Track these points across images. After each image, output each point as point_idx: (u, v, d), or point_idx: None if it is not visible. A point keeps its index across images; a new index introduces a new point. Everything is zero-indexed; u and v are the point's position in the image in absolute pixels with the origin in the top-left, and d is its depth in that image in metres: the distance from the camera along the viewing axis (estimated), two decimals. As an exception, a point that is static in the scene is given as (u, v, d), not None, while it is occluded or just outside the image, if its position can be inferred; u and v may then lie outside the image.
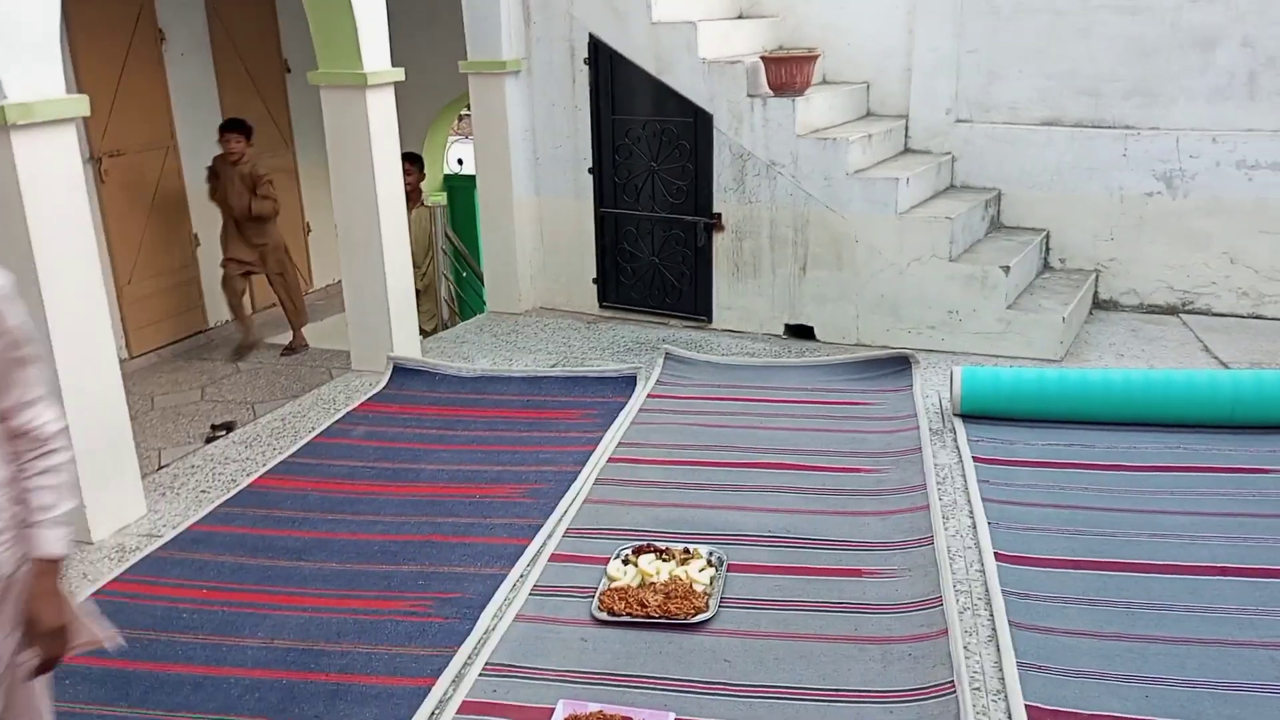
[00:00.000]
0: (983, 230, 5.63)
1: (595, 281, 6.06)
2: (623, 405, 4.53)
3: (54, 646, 1.86)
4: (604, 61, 5.63)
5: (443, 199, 9.07)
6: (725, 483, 3.75)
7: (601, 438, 4.17)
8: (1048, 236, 5.76)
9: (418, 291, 6.38)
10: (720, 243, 5.59)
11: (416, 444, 4.23)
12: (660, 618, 2.86)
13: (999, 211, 5.84)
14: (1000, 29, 5.69)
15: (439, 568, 3.24)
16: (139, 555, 3.40)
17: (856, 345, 5.30)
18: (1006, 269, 4.98)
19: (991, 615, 2.85)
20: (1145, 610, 2.85)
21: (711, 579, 3.05)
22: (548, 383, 4.86)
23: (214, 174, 6.74)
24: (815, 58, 5.36)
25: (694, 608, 2.90)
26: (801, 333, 5.50)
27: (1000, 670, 2.61)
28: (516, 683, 2.64)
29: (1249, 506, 3.43)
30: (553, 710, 2.49)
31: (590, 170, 5.86)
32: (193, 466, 4.16)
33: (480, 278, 6.98)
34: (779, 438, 4.12)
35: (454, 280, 7.81)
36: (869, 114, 6.11)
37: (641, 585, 3.03)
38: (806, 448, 4.02)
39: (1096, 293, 5.71)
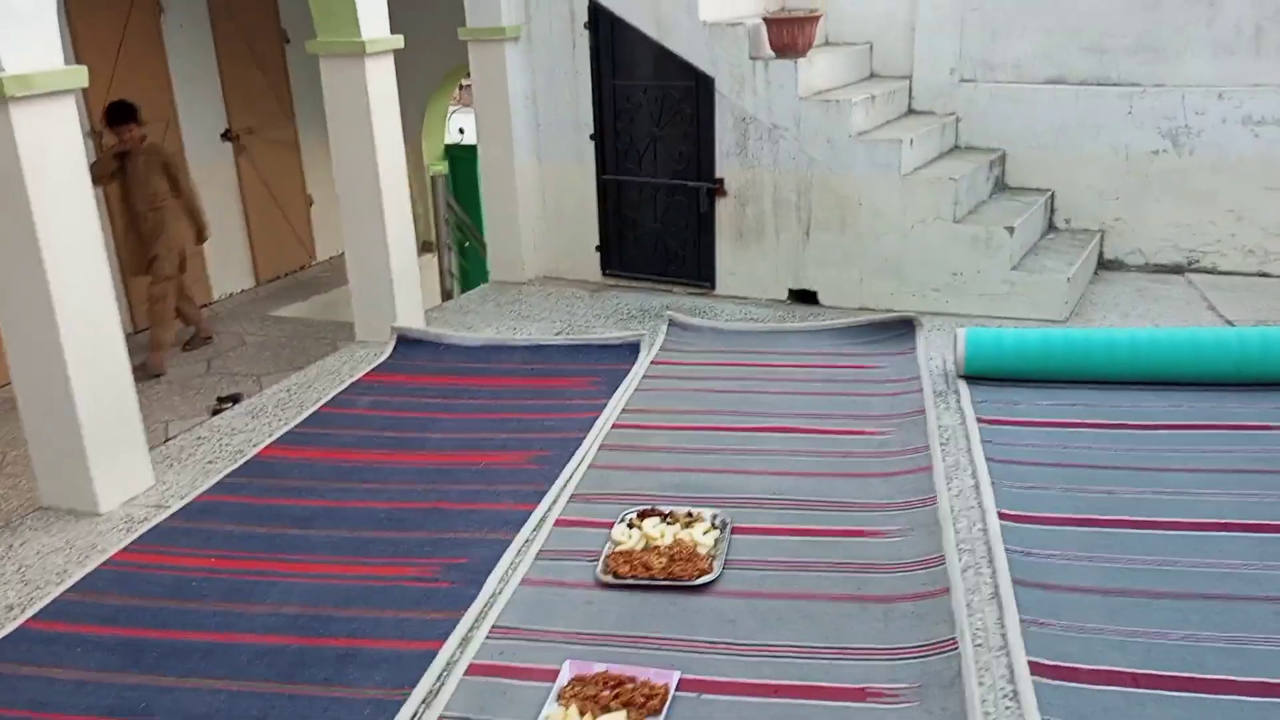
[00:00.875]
0: (987, 191, 5.60)
1: (598, 249, 6.05)
2: (627, 372, 4.53)
3: None
4: (604, 26, 5.59)
5: (445, 168, 9.04)
6: (729, 447, 3.76)
7: (606, 404, 4.18)
8: (1053, 196, 5.72)
9: None
10: (723, 208, 5.57)
11: (422, 413, 4.25)
12: (665, 580, 2.88)
13: (1004, 172, 5.80)
14: (1003, -14, 5.63)
15: (445, 534, 3.27)
16: (147, 525, 3.43)
17: (860, 309, 5.29)
18: (1011, 230, 4.95)
19: (994, 573, 2.86)
20: (1148, 566, 2.86)
21: (716, 541, 3.07)
22: (552, 351, 4.87)
23: (121, 167, 6.17)
24: (817, 18, 5.31)
25: (698, 569, 2.91)
26: (805, 297, 5.49)
27: (1003, 627, 2.63)
28: (523, 645, 2.67)
29: (1253, 463, 3.42)
30: (559, 671, 2.52)
31: (592, 137, 5.83)
32: (199, 438, 4.19)
33: (483, 247, 6.97)
34: (783, 402, 4.13)
35: (457, 250, 7.81)
36: (872, 75, 6.06)
37: (646, 549, 3.05)
38: (810, 411, 4.02)
39: (1102, 253, 5.68)
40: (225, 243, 7.58)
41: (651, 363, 4.63)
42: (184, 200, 6.29)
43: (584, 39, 5.66)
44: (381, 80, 4.86)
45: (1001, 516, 3.14)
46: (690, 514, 3.20)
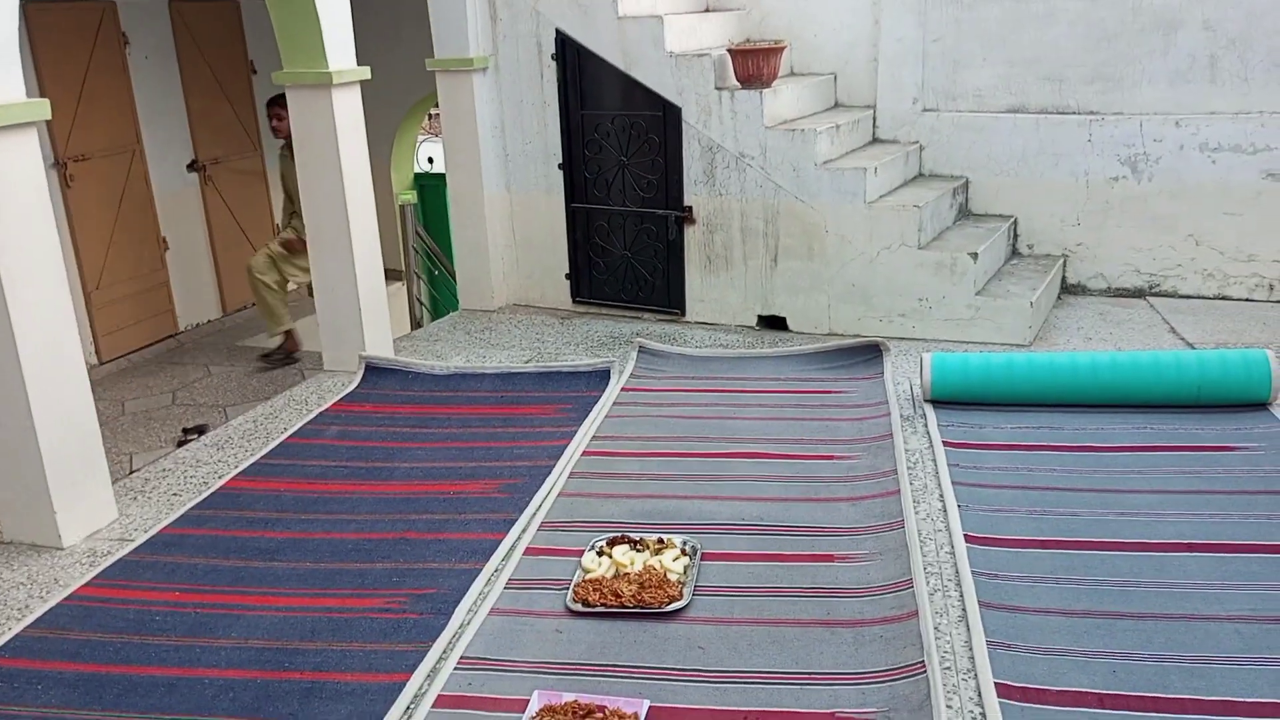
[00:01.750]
0: (951, 218, 5.67)
1: (568, 277, 6.06)
2: (597, 399, 4.54)
3: None
4: (571, 57, 5.63)
5: (414, 198, 9.05)
6: (699, 473, 3.77)
7: (576, 432, 4.18)
8: (1015, 223, 5.81)
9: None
10: (692, 236, 5.60)
11: (390, 442, 4.23)
12: (634, 607, 2.88)
13: (967, 199, 5.89)
14: (963, 17, 5.73)
15: (413, 565, 3.24)
16: (110, 559, 3.38)
17: (829, 335, 5.33)
18: (975, 255, 5.02)
19: (961, 596, 2.88)
20: (1112, 587, 2.89)
21: (685, 568, 3.07)
22: (521, 379, 4.86)
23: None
24: (781, 49, 5.38)
25: (668, 596, 2.91)
26: (774, 323, 5.53)
27: (970, 649, 2.64)
28: (491, 675, 2.65)
29: (1214, 484, 3.47)
30: (528, 701, 2.50)
31: (560, 166, 5.86)
32: (164, 470, 4.14)
33: (452, 276, 6.97)
34: (752, 427, 4.14)
35: (426, 278, 7.80)
36: (837, 105, 6.14)
37: (616, 576, 3.04)
38: (779, 436, 4.04)
39: (1065, 277, 5.77)
40: (191, 273, 7.53)
41: (621, 389, 4.64)
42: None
43: (551, 70, 5.70)
44: (348, 111, 4.87)
45: (968, 539, 3.16)
46: (660, 540, 3.20)
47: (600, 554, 3.16)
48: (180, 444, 4.78)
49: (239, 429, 4.53)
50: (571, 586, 3.01)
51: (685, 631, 2.80)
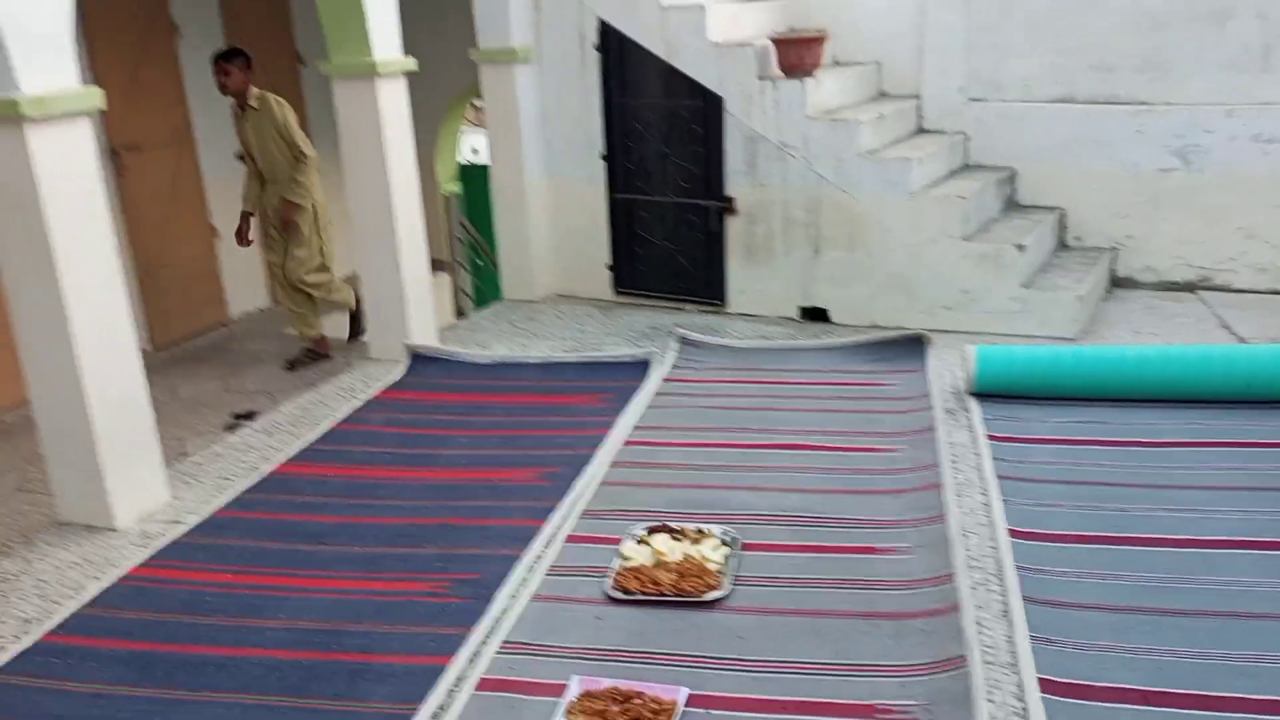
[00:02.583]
0: (997, 209, 5.61)
1: (609, 267, 6.08)
2: (638, 389, 4.55)
3: None
4: (614, 46, 5.64)
5: (458, 188, 9.11)
6: (740, 464, 3.77)
7: (617, 421, 4.20)
8: (1063, 214, 5.73)
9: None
10: (733, 226, 5.59)
11: (435, 430, 4.28)
12: (674, 595, 2.89)
13: (1014, 190, 5.82)
14: (1010, 5, 5.66)
15: (457, 550, 3.29)
16: (163, 541, 3.46)
17: (871, 326, 5.30)
18: (1021, 247, 4.96)
19: (1004, 590, 2.86)
20: (1158, 584, 2.85)
21: (725, 558, 3.08)
22: (563, 368, 4.89)
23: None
24: (824, 39, 5.35)
25: (707, 585, 2.92)
26: (816, 315, 5.51)
27: (1012, 644, 2.63)
28: (532, 660, 2.68)
29: (1264, 481, 3.42)
30: (567, 686, 2.53)
31: (603, 156, 5.88)
32: (215, 454, 4.22)
33: (496, 266, 7.01)
34: (793, 419, 4.14)
35: (470, 269, 7.86)
36: (881, 94, 6.09)
37: (655, 565, 3.06)
38: (821, 428, 4.03)
39: (1114, 270, 5.68)
40: (242, 261, 7.63)
41: (663, 380, 4.65)
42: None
43: (594, 60, 5.71)
44: (394, 101, 4.92)
45: (1011, 534, 3.14)
46: (700, 530, 3.22)
47: (640, 542, 3.18)
48: (231, 429, 4.86)
49: (288, 415, 4.60)
50: (611, 574, 3.03)
51: (725, 621, 2.81)
